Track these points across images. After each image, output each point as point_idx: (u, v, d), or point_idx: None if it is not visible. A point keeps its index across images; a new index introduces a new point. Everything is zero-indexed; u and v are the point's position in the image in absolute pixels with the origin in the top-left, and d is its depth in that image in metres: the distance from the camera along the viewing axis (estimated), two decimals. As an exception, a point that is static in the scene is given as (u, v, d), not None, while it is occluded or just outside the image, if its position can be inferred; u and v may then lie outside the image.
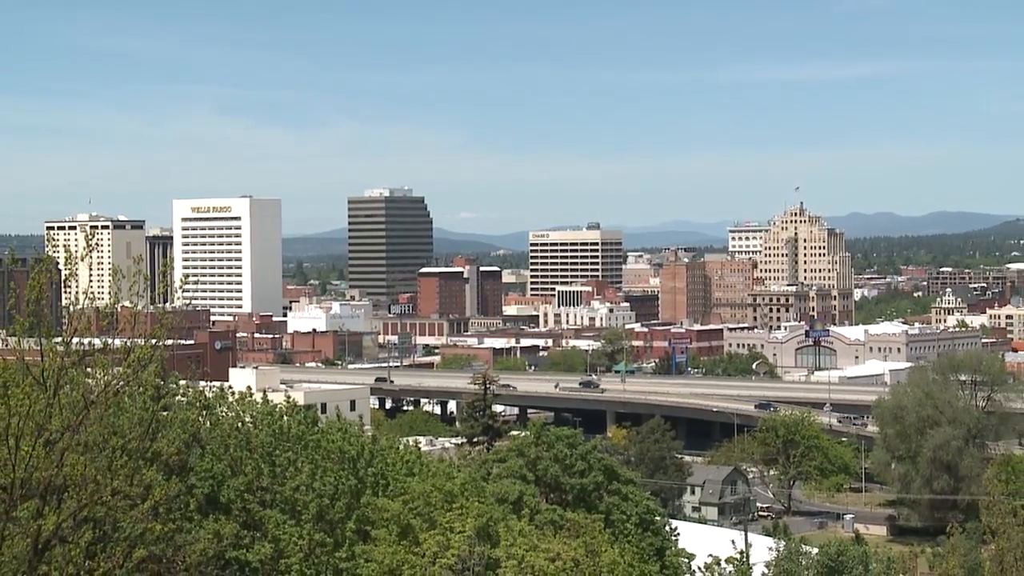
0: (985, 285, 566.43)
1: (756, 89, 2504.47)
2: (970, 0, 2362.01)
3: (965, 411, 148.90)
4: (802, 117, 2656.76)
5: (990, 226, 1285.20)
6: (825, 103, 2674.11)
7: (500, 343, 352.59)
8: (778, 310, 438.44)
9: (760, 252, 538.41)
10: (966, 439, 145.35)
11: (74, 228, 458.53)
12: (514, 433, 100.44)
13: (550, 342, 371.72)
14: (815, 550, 66.01)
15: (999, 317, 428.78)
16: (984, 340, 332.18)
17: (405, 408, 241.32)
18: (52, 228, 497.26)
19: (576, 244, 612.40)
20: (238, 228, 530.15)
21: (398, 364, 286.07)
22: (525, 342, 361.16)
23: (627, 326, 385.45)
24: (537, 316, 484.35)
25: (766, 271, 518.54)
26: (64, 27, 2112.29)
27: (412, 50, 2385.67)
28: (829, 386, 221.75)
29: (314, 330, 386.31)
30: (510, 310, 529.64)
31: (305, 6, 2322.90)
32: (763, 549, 75.39)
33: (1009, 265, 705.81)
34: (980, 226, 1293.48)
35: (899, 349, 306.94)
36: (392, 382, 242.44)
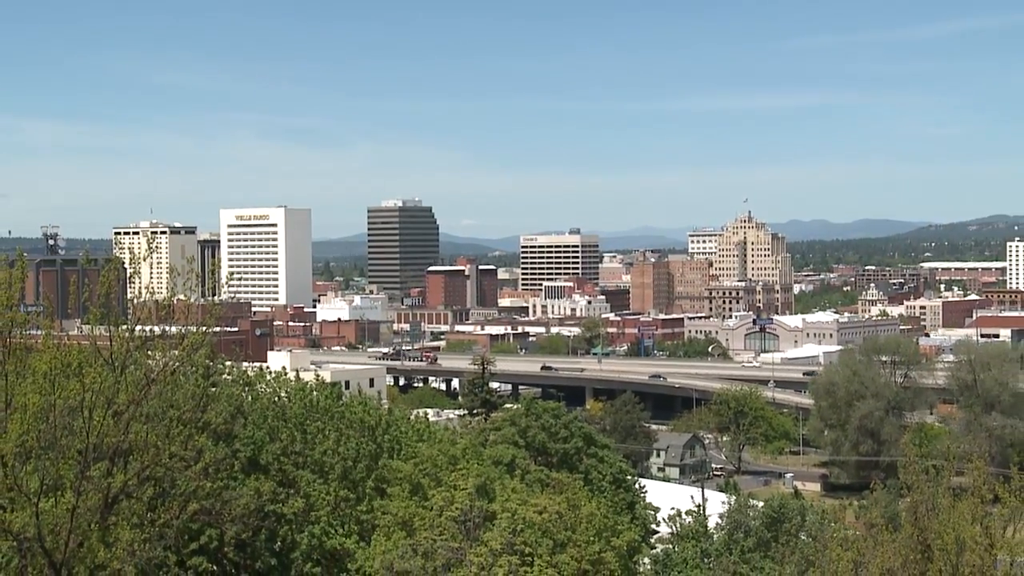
0: (903, 281, 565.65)
1: (713, 116, 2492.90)
2: (892, 43, 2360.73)
3: (886, 386, 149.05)
4: (750, 140, 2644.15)
5: (907, 231, 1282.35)
6: (770, 128, 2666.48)
7: (496, 330, 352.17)
8: (730, 302, 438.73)
9: (715, 253, 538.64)
10: (887, 410, 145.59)
11: (137, 233, 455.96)
12: (508, 406, 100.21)
13: (540, 329, 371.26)
14: (761, 503, 66.03)
15: (914, 308, 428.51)
16: (902, 327, 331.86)
17: (416, 385, 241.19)
18: (119, 233, 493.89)
19: (560, 247, 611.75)
20: (275, 233, 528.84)
21: (410, 347, 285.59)
22: (517, 329, 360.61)
23: (603, 316, 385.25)
24: (527, 307, 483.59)
25: (720, 269, 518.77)
26: (132, 65, 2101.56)
27: (423, 83, 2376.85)
28: (773, 366, 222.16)
29: (339, 319, 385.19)
30: (504, 302, 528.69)
31: (331, 48, 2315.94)
32: (717, 503, 75.48)
33: (922, 264, 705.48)
34: (899, 231, 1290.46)
35: (831, 335, 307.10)
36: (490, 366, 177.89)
